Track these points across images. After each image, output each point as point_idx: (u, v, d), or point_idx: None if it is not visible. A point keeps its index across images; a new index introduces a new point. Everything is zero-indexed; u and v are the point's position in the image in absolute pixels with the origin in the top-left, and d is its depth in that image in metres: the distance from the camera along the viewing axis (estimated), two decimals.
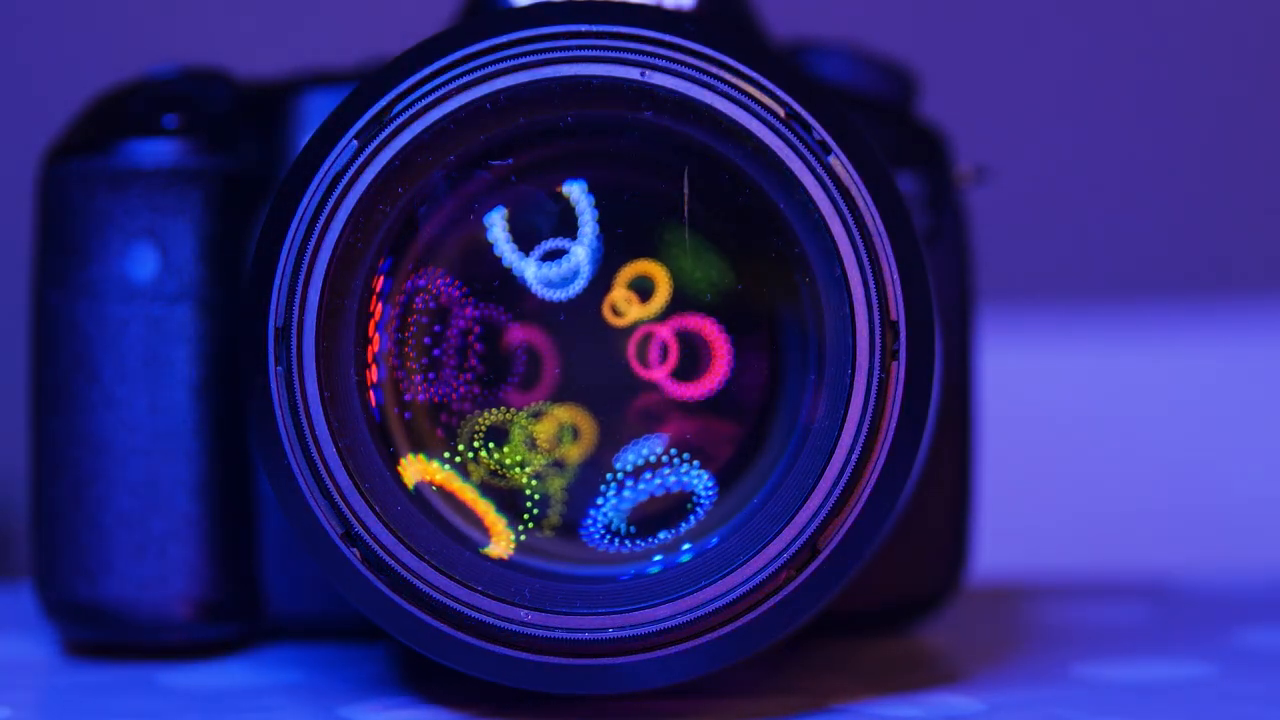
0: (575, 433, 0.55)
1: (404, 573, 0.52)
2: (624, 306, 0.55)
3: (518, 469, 0.55)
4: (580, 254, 0.55)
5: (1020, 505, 1.07)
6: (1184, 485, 1.14)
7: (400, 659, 0.61)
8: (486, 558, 0.54)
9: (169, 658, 0.62)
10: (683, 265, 0.55)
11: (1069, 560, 1.03)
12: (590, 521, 0.55)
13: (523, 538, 0.54)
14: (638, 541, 0.55)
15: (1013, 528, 0.93)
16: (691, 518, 0.55)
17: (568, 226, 0.55)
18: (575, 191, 0.55)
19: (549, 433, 0.55)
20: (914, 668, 0.62)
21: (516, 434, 0.55)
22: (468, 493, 0.55)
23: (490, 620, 0.52)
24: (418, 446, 0.55)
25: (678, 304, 0.55)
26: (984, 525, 0.69)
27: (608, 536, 0.55)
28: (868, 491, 0.52)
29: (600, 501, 0.55)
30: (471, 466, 0.55)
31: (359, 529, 0.53)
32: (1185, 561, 0.99)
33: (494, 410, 0.55)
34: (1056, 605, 0.74)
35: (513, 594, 0.52)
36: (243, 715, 0.56)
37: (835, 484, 0.52)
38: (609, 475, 0.55)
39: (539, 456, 0.55)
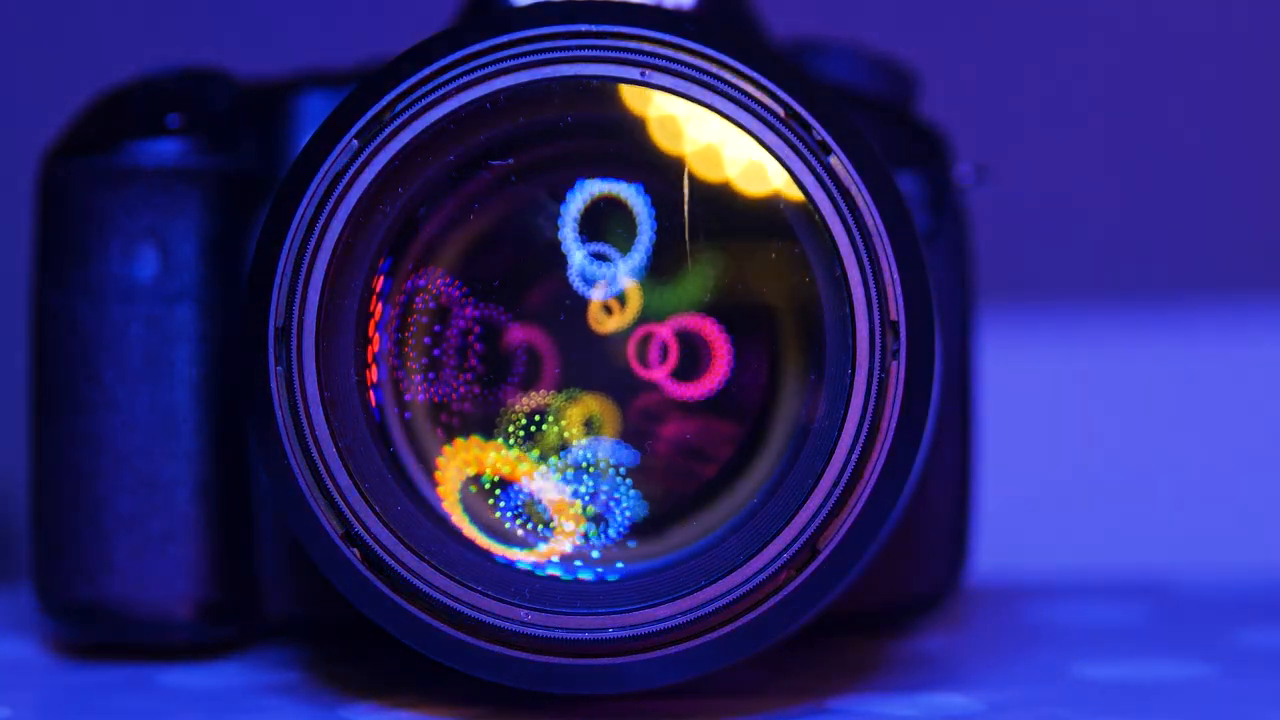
0: (598, 422, 0.55)
1: (404, 573, 0.52)
2: (601, 316, 0.55)
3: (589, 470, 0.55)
4: (622, 270, 0.55)
5: (1020, 505, 1.07)
6: (1184, 485, 1.14)
7: (400, 659, 0.61)
8: (486, 557, 0.54)
9: (169, 658, 0.62)
10: (683, 265, 0.55)
11: (1069, 560, 1.03)
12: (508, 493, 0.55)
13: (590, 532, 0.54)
14: (639, 541, 0.55)
15: (1013, 528, 0.93)
16: (695, 516, 0.54)
17: (624, 239, 0.55)
18: (638, 206, 0.55)
19: (579, 419, 0.55)
20: (914, 668, 0.62)
21: (566, 417, 0.55)
22: (547, 479, 0.54)
23: (490, 620, 0.52)
24: (466, 431, 0.55)
25: (672, 307, 0.55)
26: (984, 525, 0.69)
27: (523, 518, 0.55)
28: (868, 491, 0.52)
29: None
30: (542, 450, 0.55)
31: (359, 529, 0.53)
32: (1185, 561, 0.99)
33: (535, 395, 0.55)
34: (1056, 605, 0.74)
35: (513, 594, 0.52)
36: (243, 715, 0.56)
37: (835, 484, 0.52)
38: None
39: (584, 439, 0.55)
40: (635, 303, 0.55)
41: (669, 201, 0.54)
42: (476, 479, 0.55)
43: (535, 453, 0.55)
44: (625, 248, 0.55)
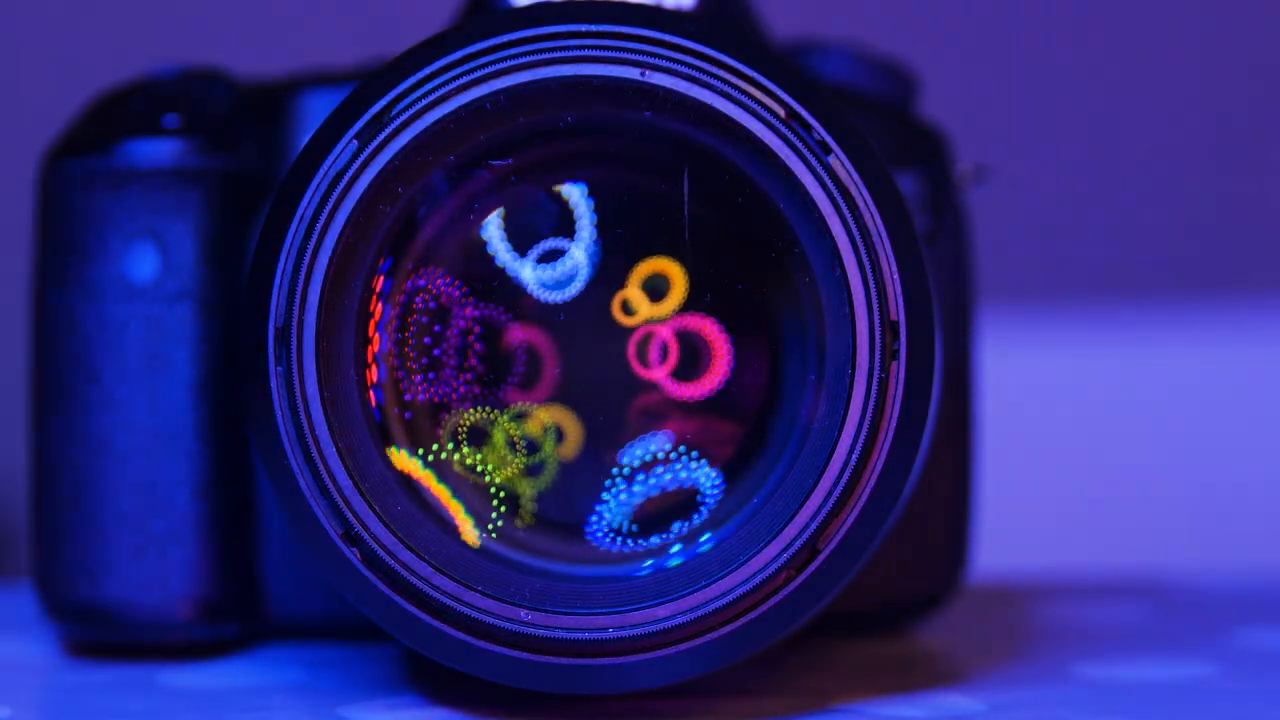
0: (560, 435, 0.55)
1: (404, 573, 0.52)
2: (636, 305, 0.55)
3: (494, 469, 0.55)
4: (578, 255, 0.55)
5: (1020, 505, 1.07)
6: (1184, 485, 1.14)
7: (401, 659, 0.61)
8: (487, 558, 0.54)
9: (169, 658, 0.62)
10: (683, 265, 0.55)
11: (1069, 560, 1.03)
12: (595, 519, 0.55)
13: (493, 535, 0.54)
14: (640, 541, 0.55)
15: (1013, 528, 0.93)
16: (696, 516, 0.55)
17: (566, 227, 0.55)
18: (575, 194, 0.55)
19: (533, 433, 0.55)
20: (914, 668, 0.62)
21: (498, 435, 0.55)
22: (443, 492, 0.55)
23: (490, 620, 0.52)
24: (401, 442, 0.55)
25: (679, 304, 0.55)
26: (984, 525, 0.69)
27: (611, 535, 0.55)
28: (868, 491, 0.52)
29: (606, 498, 0.55)
30: (449, 464, 0.55)
31: (359, 529, 0.53)
32: (1185, 561, 0.99)
33: (477, 410, 0.55)
34: (1056, 605, 0.74)
35: (513, 594, 0.52)
36: (243, 715, 0.56)
37: (835, 484, 0.52)
38: (614, 471, 0.55)
39: (518, 458, 0.55)
40: (644, 306, 0.55)
41: (609, 188, 0.54)
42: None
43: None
44: (570, 233, 0.55)
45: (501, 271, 0.55)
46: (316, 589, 0.62)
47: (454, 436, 0.55)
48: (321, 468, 0.53)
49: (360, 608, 0.53)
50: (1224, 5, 1.23)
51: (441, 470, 0.55)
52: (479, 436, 0.55)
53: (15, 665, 0.63)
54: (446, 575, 0.52)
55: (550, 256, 0.55)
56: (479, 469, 0.55)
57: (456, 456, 0.55)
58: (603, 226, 0.55)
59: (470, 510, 0.55)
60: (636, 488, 0.55)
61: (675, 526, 0.55)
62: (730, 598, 0.52)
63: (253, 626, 0.63)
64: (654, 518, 0.55)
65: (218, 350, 0.61)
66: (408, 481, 0.54)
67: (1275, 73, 1.23)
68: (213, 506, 0.61)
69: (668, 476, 0.55)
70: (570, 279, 0.55)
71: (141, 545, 0.61)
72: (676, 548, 0.54)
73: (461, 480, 0.55)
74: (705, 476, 0.55)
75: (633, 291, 0.55)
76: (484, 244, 0.55)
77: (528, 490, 0.55)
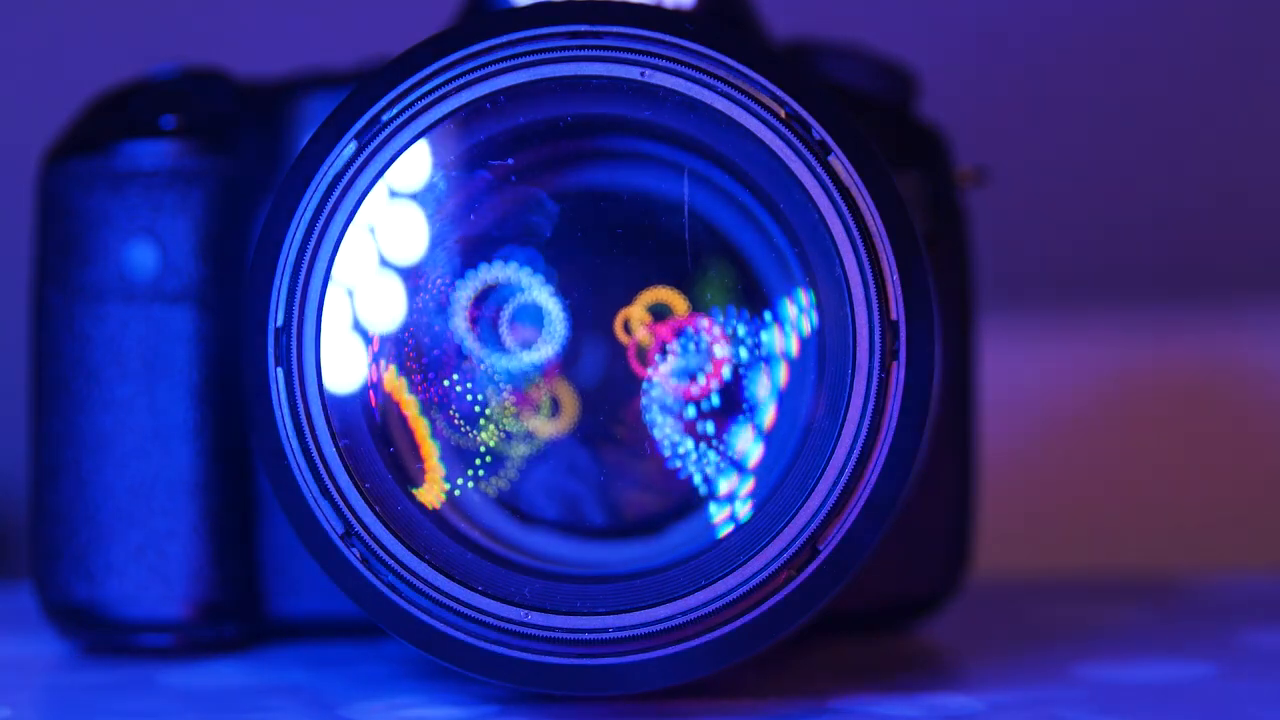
0: (556, 407, 0.55)
1: (404, 573, 0.52)
2: (636, 326, 0.55)
3: (485, 425, 0.55)
4: (550, 306, 0.55)
5: (1020, 505, 1.07)
6: (1184, 485, 1.14)
7: (401, 658, 0.61)
8: (487, 557, 0.54)
9: (169, 658, 0.62)
10: (684, 266, 0.55)
11: (1069, 560, 1.03)
12: (680, 466, 0.55)
13: (456, 493, 0.54)
14: (717, 449, 0.54)
15: (1013, 528, 0.93)
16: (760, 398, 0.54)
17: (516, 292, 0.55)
18: (508, 272, 0.55)
19: (533, 400, 0.55)
20: (914, 668, 0.62)
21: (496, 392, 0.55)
22: (421, 428, 0.54)
23: (490, 620, 0.52)
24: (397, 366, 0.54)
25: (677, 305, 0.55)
26: (984, 525, 0.69)
27: (678, 440, 0.55)
28: (868, 491, 0.52)
29: (669, 442, 0.55)
30: (437, 407, 0.55)
31: (359, 529, 0.53)
32: (1185, 561, 0.99)
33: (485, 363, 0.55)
34: (1056, 605, 0.74)
35: (513, 594, 0.52)
36: (243, 715, 0.56)
37: (835, 484, 0.52)
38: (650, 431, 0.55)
39: (512, 421, 0.55)
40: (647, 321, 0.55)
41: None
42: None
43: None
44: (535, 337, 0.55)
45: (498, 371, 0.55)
46: (316, 589, 0.62)
47: (454, 381, 0.55)
48: (321, 468, 0.53)
49: (360, 608, 0.53)
50: (1224, 6, 1.23)
51: (429, 406, 0.54)
52: (480, 388, 0.55)
53: (15, 665, 0.63)
54: (446, 575, 0.52)
55: (522, 325, 0.55)
56: (471, 421, 0.55)
57: (455, 396, 0.55)
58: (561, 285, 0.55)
59: (444, 460, 0.54)
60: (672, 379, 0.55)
61: (675, 526, 0.55)
62: (730, 598, 0.52)
63: (253, 626, 0.63)
64: (653, 517, 0.55)
65: (218, 350, 0.61)
66: (408, 481, 0.54)
67: (1275, 73, 1.23)
68: (213, 506, 0.61)
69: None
70: (551, 334, 0.55)
71: (141, 545, 0.61)
72: (677, 548, 0.54)
73: (444, 428, 0.55)
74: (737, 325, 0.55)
75: (635, 311, 0.55)
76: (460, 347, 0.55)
77: (521, 451, 0.55)
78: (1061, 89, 1.23)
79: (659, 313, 0.55)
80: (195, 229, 0.61)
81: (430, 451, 0.55)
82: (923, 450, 0.54)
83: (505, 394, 0.55)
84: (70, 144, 0.62)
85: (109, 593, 0.61)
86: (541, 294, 0.55)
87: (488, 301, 0.55)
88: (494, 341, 0.55)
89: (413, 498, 0.54)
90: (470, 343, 0.55)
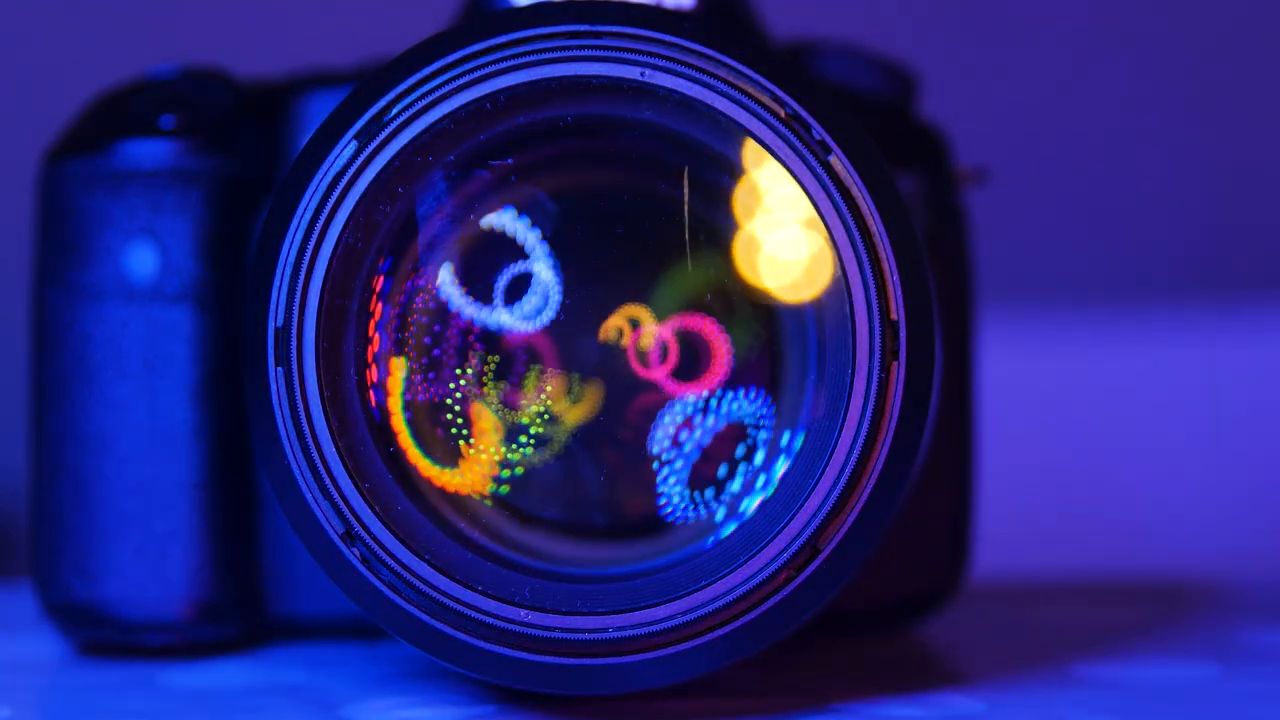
0: (579, 396, 0.55)
1: (404, 573, 0.52)
2: (614, 334, 0.55)
3: (527, 405, 0.55)
4: (544, 274, 0.55)
5: (1020, 505, 1.07)
6: (1183, 485, 1.14)
7: (401, 658, 0.61)
8: (487, 557, 0.54)
9: (169, 658, 0.62)
10: (684, 264, 0.55)
11: (1069, 560, 1.03)
12: (665, 502, 0.55)
13: (515, 468, 0.54)
14: (719, 498, 0.54)
15: (1013, 528, 0.93)
16: (758, 442, 0.54)
17: (516, 252, 0.55)
18: (507, 220, 0.55)
19: (558, 386, 0.55)
20: (914, 668, 0.62)
21: (530, 378, 0.55)
22: (480, 399, 0.54)
23: (490, 620, 0.52)
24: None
25: (678, 305, 0.55)
26: (984, 525, 0.69)
27: (686, 504, 0.55)
28: (868, 491, 0.52)
29: (660, 486, 0.55)
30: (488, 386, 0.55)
31: (359, 529, 0.53)
32: (1185, 561, 0.99)
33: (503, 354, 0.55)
34: (1056, 605, 0.74)
35: (513, 594, 0.52)
36: (243, 715, 0.56)
37: (835, 484, 0.52)
38: (655, 452, 0.55)
39: (542, 404, 0.55)
40: (646, 322, 0.55)
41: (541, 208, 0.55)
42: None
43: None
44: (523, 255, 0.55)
45: (478, 325, 0.55)
46: (316, 589, 0.62)
47: (484, 369, 0.55)
48: (321, 468, 0.53)
49: (360, 608, 0.53)
50: (1223, 6, 1.23)
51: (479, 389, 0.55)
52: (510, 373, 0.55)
53: (15, 665, 0.63)
54: (446, 575, 0.52)
55: (517, 290, 0.55)
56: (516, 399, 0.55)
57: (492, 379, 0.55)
58: (553, 237, 0.55)
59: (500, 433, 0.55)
60: (687, 449, 0.55)
61: (675, 526, 0.55)
62: (730, 598, 0.52)
63: (252, 626, 0.63)
64: (653, 517, 0.55)
65: (218, 350, 0.61)
66: (408, 481, 0.54)
67: (1275, 72, 1.23)
68: (213, 506, 0.61)
69: (711, 420, 0.55)
70: (544, 304, 0.55)
71: (141, 545, 0.61)
72: (676, 548, 0.54)
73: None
74: (748, 406, 0.55)
75: (634, 311, 0.55)
76: (445, 304, 0.55)
77: (572, 418, 0.55)
78: (1062, 88, 1.23)
79: (658, 314, 0.55)
80: (195, 229, 0.61)
81: (487, 428, 0.55)
82: (923, 450, 0.54)
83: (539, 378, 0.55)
84: (70, 144, 0.62)
85: (109, 593, 0.61)
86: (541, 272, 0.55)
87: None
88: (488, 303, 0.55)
89: (413, 497, 0.54)
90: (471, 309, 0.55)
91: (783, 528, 0.52)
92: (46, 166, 0.62)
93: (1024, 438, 1.09)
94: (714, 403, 0.55)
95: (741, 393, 0.55)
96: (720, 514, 0.54)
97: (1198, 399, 1.16)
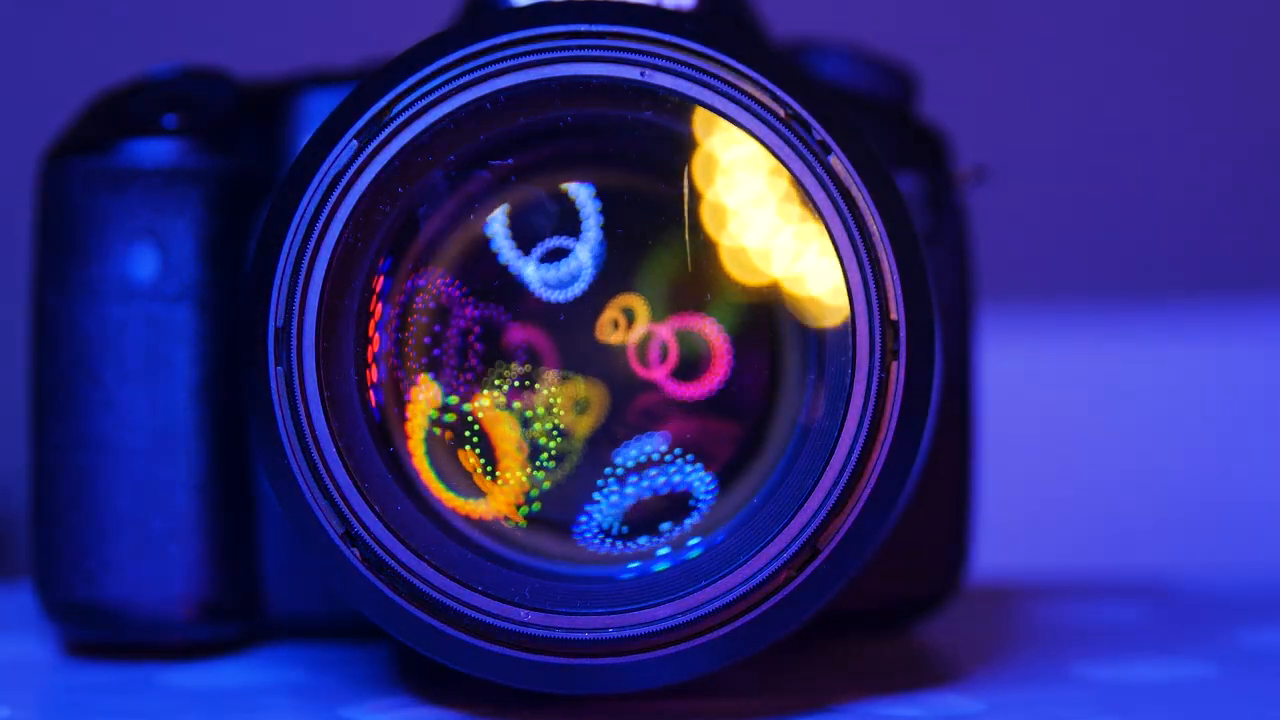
0: (585, 406, 0.55)
1: (404, 573, 0.52)
2: (608, 329, 0.55)
3: (545, 417, 0.55)
4: (583, 256, 0.55)
5: (1020, 505, 1.07)
6: (1184, 485, 1.14)
7: (400, 659, 0.61)
8: (487, 557, 0.54)
9: (169, 658, 0.62)
10: (683, 265, 0.55)
11: (1069, 560, 1.03)
12: (585, 519, 0.55)
13: (535, 491, 0.54)
14: (629, 543, 0.54)
15: (1013, 528, 0.93)
16: (688, 520, 0.55)
17: (570, 227, 0.55)
18: (582, 194, 0.55)
19: (569, 397, 0.55)
20: (914, 668, 0.62)
21: (541, 390, 0.55)
22: (501, 422, 0.54)
23: (490, 620, 0.52)
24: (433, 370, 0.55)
25: (677, 305, 0.55)
26: (984, 525, 0.69)
27: (600, 536, 0.55)
28: (868, 491, 0.52)
29: (598, 499, 0.55)
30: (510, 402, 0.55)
31: (359, 529, 0.53)
32: (1185, 561, 0.99)
33: (520, 365, 0.55)
34: (1056, 605, 0.74)
35: (513, 594, 0.52)
36: (243, 715, 0.56)
37: (835, 484, 0.52)
38: (607, 472, 0.55)
39: (558, 416, 0.55)
40: (643, 315, 0.55)
41: (617, 189, 0.54)
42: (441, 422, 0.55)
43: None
44: (575, 233, 0.55)
45: (504, 269, 0.55)
46: (316, 589, 0.62)
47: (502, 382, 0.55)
48: (321, 468, 0.53)
49: (360, 608, 0.53)
50: (1225, 6, 1.23)
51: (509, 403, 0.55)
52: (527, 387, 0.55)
53: (15, 665, 0.63)
54: (446, 575, 0.52)
55: (554, 256, 0.55)
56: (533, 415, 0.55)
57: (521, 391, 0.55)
58: (609, 228, 0.55)
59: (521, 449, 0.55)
60: (629, 489, 0.55)
61: (667, 528, 0.55)
62: (730, 598, 0.52)
63: (252, 626, 0.63)
64: (647, 520, 0.55)
65: (218, 350, 0.61)
66: (408, 481, 0.54)
67: (1275, 71, 1.23)
68: (213, 506, 0.61)
69: (661, 479, 0.55)
70: (573, 279, 0.55)
71: (141, 545, 0.61)
72: (665, 550, 0.54)
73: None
74: (700, 480, 0.55)
75: (630, 299, 0.55)
76: (488, 240, 0.55)
77: (582, 429, 0.55)
78: (1062, 88, 1.23)
79: (658, 315, 0.55)
80: (195, 229, 0.61)
81: (513, 446, 0.55)
82: (923, 450, 0.54)
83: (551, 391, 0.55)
84: (71, 143, 0.62)
85: (109, 593, 0.61)
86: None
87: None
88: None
89: (413, 497, 0.54)
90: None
91: (783, 528, 0.52)
92: (47, 166, 0.62)
93: (1024, 438, 1.09)
94: (673, 459, 0.55)
95: (699, 469, 0.55)
96: (615, 552, 0.54)
97: (1198, 398, 1.16)
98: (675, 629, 0.52)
